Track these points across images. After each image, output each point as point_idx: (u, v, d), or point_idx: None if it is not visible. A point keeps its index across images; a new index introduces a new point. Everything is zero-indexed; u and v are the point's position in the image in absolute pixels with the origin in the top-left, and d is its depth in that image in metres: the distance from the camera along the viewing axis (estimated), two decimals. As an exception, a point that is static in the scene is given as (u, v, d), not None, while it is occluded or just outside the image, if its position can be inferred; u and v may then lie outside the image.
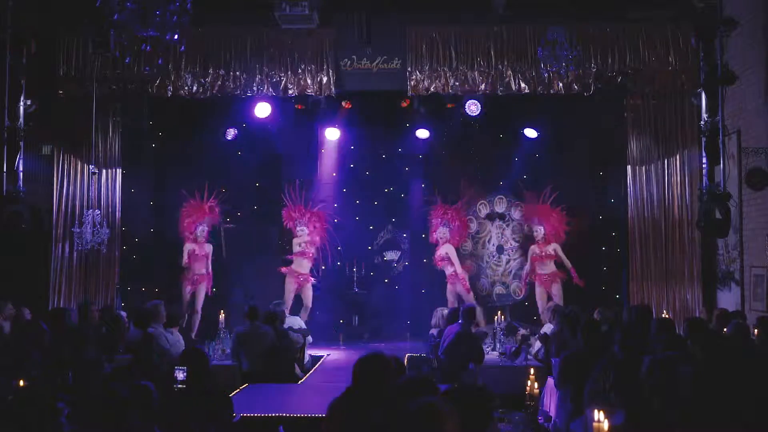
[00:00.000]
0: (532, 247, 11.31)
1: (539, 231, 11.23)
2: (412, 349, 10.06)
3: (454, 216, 11.61)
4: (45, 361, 5.81)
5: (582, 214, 11.44)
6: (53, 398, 4.13)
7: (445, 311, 8.89)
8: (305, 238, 11.53)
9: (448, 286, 11.38)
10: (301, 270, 11.45)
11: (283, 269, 11.47)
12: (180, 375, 4.64)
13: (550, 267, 11.11)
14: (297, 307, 11.34)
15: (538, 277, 11.16)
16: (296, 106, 11.06)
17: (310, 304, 11.45)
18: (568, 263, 11.02)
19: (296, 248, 11.52)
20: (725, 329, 6.51)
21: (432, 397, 3.04)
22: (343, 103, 11.35)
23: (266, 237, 12.44)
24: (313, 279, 11.55)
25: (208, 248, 11.24)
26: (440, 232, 11.50)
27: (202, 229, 11.16)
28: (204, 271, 11.09)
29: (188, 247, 11.08)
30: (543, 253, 11.12)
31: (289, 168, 12.47)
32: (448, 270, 11.38)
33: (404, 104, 11.04)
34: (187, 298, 10.99)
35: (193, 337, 10.01)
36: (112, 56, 9.30)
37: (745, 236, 9.30)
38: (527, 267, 11.37)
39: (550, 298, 10.93)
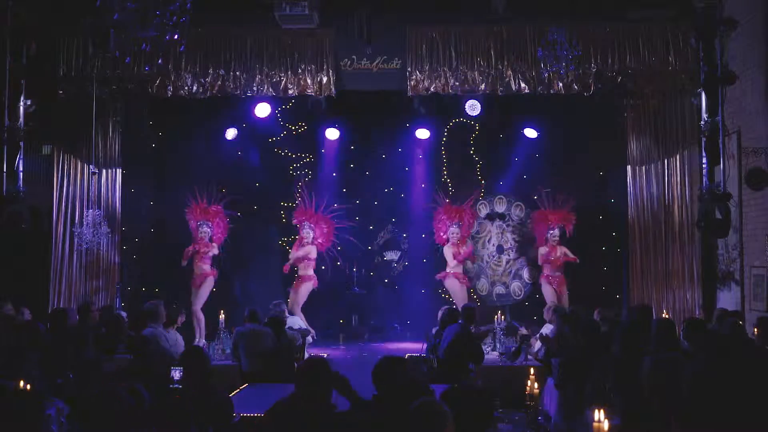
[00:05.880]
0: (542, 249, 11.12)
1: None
2: (412, 349, 10.05)
3: (464, 215, 11.48)
4: (44, 361, 5.81)
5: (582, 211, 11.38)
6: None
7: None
8: (309, 239, 11.32)
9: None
10: (306, 274, 11.28)
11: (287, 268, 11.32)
12: (176, 375, 4.63)
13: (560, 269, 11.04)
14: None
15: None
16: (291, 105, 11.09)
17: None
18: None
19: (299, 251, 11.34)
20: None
21: (431, 397, 3.04)
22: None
23: (266, 237, 12.40)
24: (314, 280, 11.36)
25: (212, 248, 11.01)
26: (451, 232, 11.35)
27: (203, 230, 11.07)
28: (208, 269, 10.97)
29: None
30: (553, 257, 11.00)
31: (289, 168, 12.47)
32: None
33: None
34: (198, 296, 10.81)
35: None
36: (112, 56, 9.29)
37: (745, 236, 9.30)
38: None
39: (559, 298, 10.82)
